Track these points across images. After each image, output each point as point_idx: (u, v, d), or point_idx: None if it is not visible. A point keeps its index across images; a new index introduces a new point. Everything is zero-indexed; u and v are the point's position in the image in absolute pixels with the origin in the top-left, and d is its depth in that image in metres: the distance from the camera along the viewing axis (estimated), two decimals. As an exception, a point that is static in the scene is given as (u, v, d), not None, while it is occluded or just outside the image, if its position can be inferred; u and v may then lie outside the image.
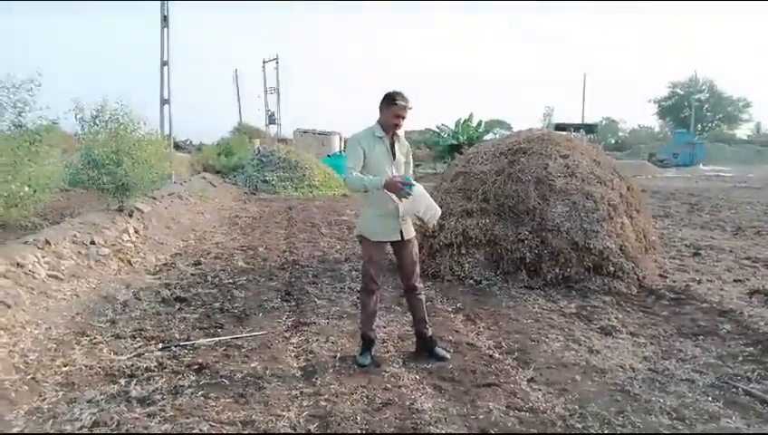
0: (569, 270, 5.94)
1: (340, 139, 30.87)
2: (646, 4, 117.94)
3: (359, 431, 3.03)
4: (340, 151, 31.29)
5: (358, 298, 5.67)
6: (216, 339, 4.49)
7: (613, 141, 50.01)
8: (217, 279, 6.52)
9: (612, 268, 5.96)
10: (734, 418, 3.16)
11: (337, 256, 7.93)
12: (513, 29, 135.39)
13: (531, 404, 3.33)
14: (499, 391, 3.52)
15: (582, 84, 69.42)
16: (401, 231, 3.97)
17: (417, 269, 4.14)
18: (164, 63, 15.11)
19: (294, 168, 19.31)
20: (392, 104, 3.82)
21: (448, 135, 29.35)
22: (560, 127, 29.58)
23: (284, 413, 3.25)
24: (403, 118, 3.86)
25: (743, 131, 56.35)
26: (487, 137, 27.27)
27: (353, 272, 6.86)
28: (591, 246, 5.99)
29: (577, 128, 28.98)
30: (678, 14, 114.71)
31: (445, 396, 3.48)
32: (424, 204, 3.87)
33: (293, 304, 5.54)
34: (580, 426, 3.07)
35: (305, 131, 31.09)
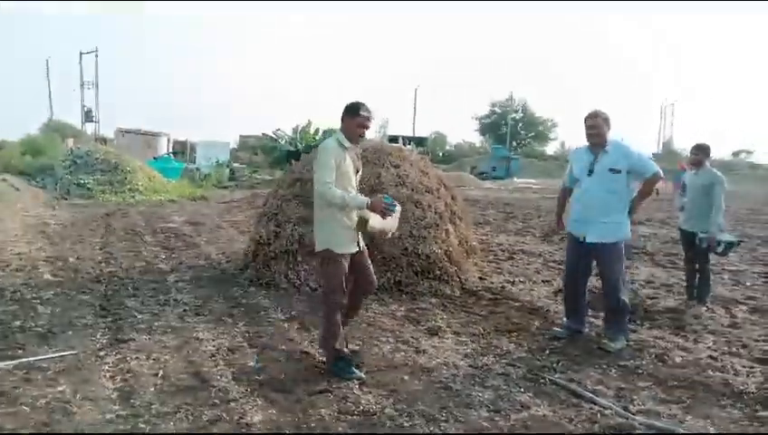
0: (400, 274, 6.18)
1: (168, 140, 29.13)
2: (471, 22, 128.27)
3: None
4: (168, 153, 29.54)
5: (184, 311, 5.35)
6: (15, 362, 3.93)
7: (441, 154, 53.41)
8: (18, 294, 5.73)
9: (438, 272, 6.32)
10: (542, 406, 3.48)
11: (162, 266, 7.40)
12: (349, 36, 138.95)
13: (362, 407, 3.37)
14: (331, 397, 3.52)
15: (414, 98, 73.29)
16: (358, 242, 3.95)
17: (373, 276, 4.13)
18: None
19: (114, 170, 17.77)
20: (357, 115, 3.80)
21: (286, 141, 29.16)
22: (393, 139, 30.88)
23: (96, 441, 2.93)
24: (367, 128, 3.87)
25: (550, 148, 63.65)
26: (324, 145, 27.48)
27: (179, 283, 6.46)
28: (420, 251, 6.30)
29: (408, 140, 30.47)
30: (495, 37, 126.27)
31: (276, 407, 3.39)
32: (394, 222, 3.95)
33: (110, 319, 5.04)
34: (407, 425, 3.17)
35: (128, 131, 28.81)
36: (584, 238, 4.63)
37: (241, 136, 45.61)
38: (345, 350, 3.98)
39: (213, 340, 4.54)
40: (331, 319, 3.93)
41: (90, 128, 36.30)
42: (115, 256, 7.88)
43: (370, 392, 3.62)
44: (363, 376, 3.84)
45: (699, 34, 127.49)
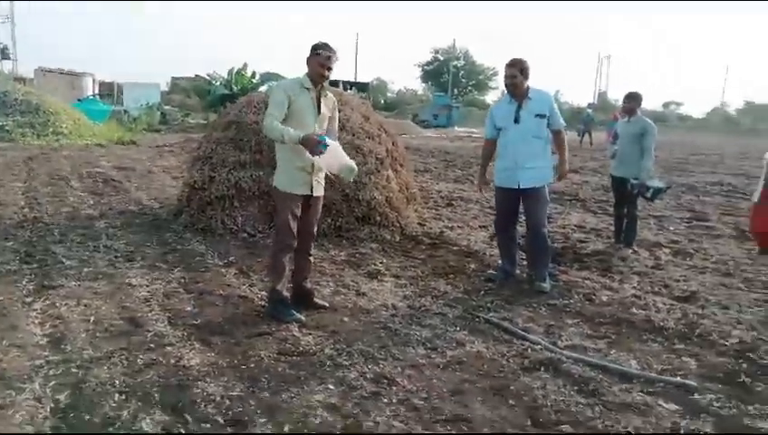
0: (340, 220, 6.16)
1: (94, 81, 27.45)
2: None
3: (117, 395, 2.77)
4: (94, 95, 27.90)
5: (116, 257, 5.17)
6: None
7: (383, 101, 52.88)
8: (-70, 241, 5.36)
9: (379, 218, 6.34)
10: (476, 343, 3.60)
11: (90, 211, 7.09)
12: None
13: (301, 348, 3.39)
14: (270, 340, 3.52)
15: (355, 43, 71.88)
16: (312, 186, 3.87)
17: (315, 230, 4.09)
18: None
19: (36, 112, 16.69)
20: (316, 54, 3.74)
21: (221, 84, 28.04)
22: (333, 83, 30.23)
23: (26, 385, 2.83)
24: (329, 69, 3.77)
25: (491, 97, 63.96)
26: (262, 88, 26.70)
27: (110, 229, 6.21)
28: (360, 197, 6.27)
29: (350, 85, 29.93)
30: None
31: (214, 350, 3.36)
32: (338, 163, 3.83)
33: (36, 266, 4.81)
34: (347, 363, 3.22)
35: (50, 70, 26.90)
36: (519, 185, 4.74)
37: (173, 78, 43.56)
38: (285, 293, 3.96)
39: (147, 285, 4.42)
40: (276, 258, 3.91)
41: (6, 66, 33.61)
42: (39, 202, 7.47)
43: (310, 334, 3.64)
44: (302, 318, 3.84)
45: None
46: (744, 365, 3.36)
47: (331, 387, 2.95)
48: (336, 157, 3.79)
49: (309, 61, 3.78)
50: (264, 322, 3.80)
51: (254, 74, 28.60)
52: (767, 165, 5.76)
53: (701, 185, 11.91)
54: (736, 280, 5.18)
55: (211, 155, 6.68)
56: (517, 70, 4.63)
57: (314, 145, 3.62)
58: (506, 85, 4.75)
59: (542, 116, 4.66)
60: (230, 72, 28.22)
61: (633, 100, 6.21)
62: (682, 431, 2.65)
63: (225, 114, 7.62)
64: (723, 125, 48.51)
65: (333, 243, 5.90)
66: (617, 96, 54.82)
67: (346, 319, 3.92)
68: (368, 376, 3.08)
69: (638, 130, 6.05)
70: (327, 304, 4.14)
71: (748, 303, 4.53)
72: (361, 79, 49.28)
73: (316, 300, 4.15)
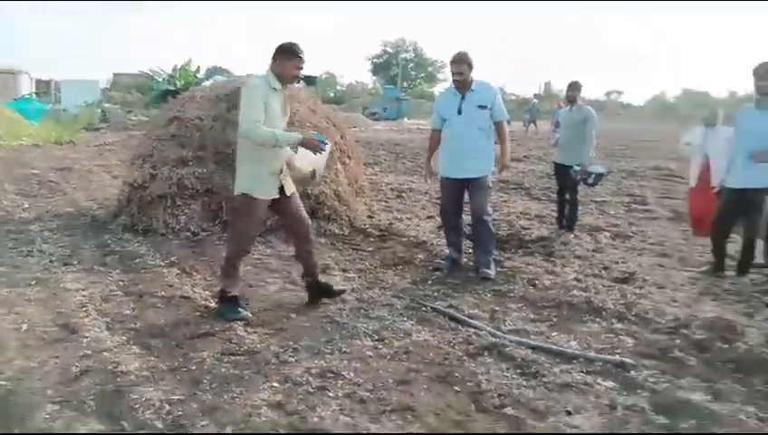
0: (287, 215, 6.08)
1: (30, 79, 26.23)
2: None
3: (50, 405, 2.66)
4: (30, 94, 26.72)
5: (51, 262, 4.97)
6: None
7: (332, 94, 52.50)
8: None
9: (327, 211, 6.30)
10: (423, 332, 3.62)
11: (25, 215, 6.78)
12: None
13: (246, 347, 3.33)
14: (214, 340, 3.44)
15: (303, 37, 71.32)
16: (282, 188, 3.80)
17: (308, 219, 4.07)
18: None
19: (-35, 112, 15.76)
20: (294, 57, 3.69)
21: (164, 80, 27.22)
22: (280, 77, 29.76)
23: (-52, 402, 2.68)
24: (302, 70, 3.75)
25: (439, 89, 64.54)
26: (206, 83, 26.09)
27: (45, 232, 5.96)
28: (309, 191, 6.20)
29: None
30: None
31: (154, 354, 3.26)
32: (318, 163, 3.91)
33: (-38, 273, 4.56)
34: (292, 360, 3.18)
35: (-20, 69, 25.56)
36: (463, 175, 4.80)
37: (114, 74, 42.09)
38: (236, 292, 3.88)
39: (83, 290, 4.25)
40: (231, 263, 3.85)
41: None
42: (-33, 207, 7.09)
43: (255, 332, 3.58)
44: (250, 315, 3.79)
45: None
46: (678, 341, 3.50)
47: (276, 384, 2.91)
48: (325, 156, 3.86)
49: (282, 62, 3.68)
50: (207, 322, 3.71)
51: (198, 69, 27.90)
52: (699, 149, 6.03)
53: (640, 170, 12.35)
54: (672, 260, 5.40)
55: (152, 152, 6.48)
56: (465, 65, 4.71)
57: (317, 145, 3.65)
58: (454, 81, 4.80)
59: (484, 107, 4.74)
60: (174, 68, 27.43)
61: (575, 88, 6.37)
62: (618, 408, 2.74)
63: (166, 110, 7.41)
64: (661, 112, 50.36)
65: (280, 239, 5.80)
66: (561, 86, 56.16)
67: (293, 315, 3.88)
68: (313, 371, 3.05)
69: (580, 118, 6.21)
70: (345, 289, 4.27)
71: (683, 281, 4.73)
72: (310, 72, 48.74)
73: (336, 288, 4.20)
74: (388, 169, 12.23)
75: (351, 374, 3.03)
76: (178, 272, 4.77)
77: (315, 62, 77.90)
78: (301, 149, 3.74)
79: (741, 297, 4.30)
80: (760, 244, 4.86)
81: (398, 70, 58.68)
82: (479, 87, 4.78)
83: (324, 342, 3.43)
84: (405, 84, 60.10)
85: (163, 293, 4.25)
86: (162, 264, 4.97)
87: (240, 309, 3.82)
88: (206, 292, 4.28)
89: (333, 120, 7.59)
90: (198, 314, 3.87)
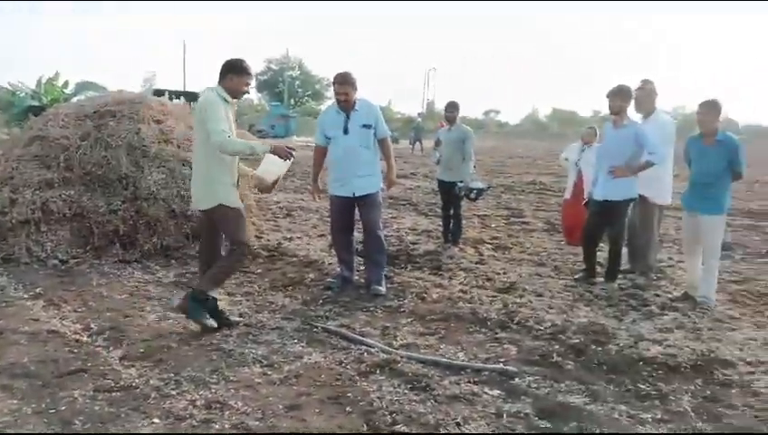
0: (167, 239, 5.79)
1: None
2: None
3: None
4: None
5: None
6: None
7: (216, 111, 50.83)
8: None
9: (211, 233, 6.05)
10: (314, 354, 3.56)
11: None
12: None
13: (122, 382, 3.09)
14: (86, 377, 3.16)
15: (183, 51, 68.83)
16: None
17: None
18: None
19: None
20: (245, 74, 3.92)
21: (27, 95, 24.98)
22: (159, 92, 28.45)
23: None
24: (250, 85, 4.02)
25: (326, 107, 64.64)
26: (76, 99, 24.31)
27: None
28: (189, 212, 5.94)
29: (178, 95, 28.39)
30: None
31: (17, 395, 2.94)
32: (276, 172, 4.18)
33: None
34: (175, 393, 2.99)
35: None
36: (354, 194, 4.82)
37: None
38: (214, 295, 3.93)
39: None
40: (228, 275, 4.08)
41: None
42: None
43: (133, 365, 3.33)
44: (215, 325, 3.85)
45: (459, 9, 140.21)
46: (556, 346, 3.70)
47: (157, 421, 2.72)
48: (277, 166, 4.05)
49: (232, 78, 3.88)
50: (78, 358, 3.41)
51: (66, 84, 25.90)
52: (575, 163, 6.53)
53: (517, 185, 13.14)
54: (548, 269, 5.76)
55: (12, 174, 5.92)
56: (349, 86, 4.77)
57: (287, 152, 3.86)
58: (338, 101, 4.83)
59: (368, 126, 4.82)
60: (38, 82, 25.26)
61: (453, 108, 6.66)
62: (504, 416, 2.84)
63: (28, 129, 6.82)
64: (535, 130, 54.16)
65: (160, 263, 5.53)
66: (442, 105, 58.57)
67: (174, 345, 3.66)
68: (198, 404, 2.89)
69: (460, 137, 6.49)
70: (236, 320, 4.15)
71: (558, 289, 5.04)
72: (191, 88, 47.01)
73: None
74: (276, 187, 12.00)
75: (239, 403, 2.90)
76: (45, 304, 4.35)
77: (197, 78, 75.46)
78: (265, 160, 3.96)
79: (611, 302, 4.65)
80: (625, 251, 5.32)
81: (283, 87, 58.24)
82: (362, 106, 4.85)
83: (209, 371, 3.26)
84: (292, 102, 59.77)
85: (27, 328, 3.85)
86: (26, 296, 4.52)
87: (208, 317, 3.82)
88: (77, 324, 3.94)
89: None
90: (68, 349, 3.54)
